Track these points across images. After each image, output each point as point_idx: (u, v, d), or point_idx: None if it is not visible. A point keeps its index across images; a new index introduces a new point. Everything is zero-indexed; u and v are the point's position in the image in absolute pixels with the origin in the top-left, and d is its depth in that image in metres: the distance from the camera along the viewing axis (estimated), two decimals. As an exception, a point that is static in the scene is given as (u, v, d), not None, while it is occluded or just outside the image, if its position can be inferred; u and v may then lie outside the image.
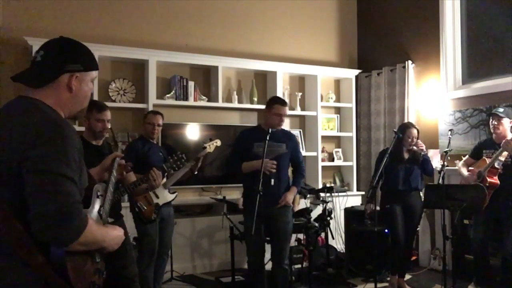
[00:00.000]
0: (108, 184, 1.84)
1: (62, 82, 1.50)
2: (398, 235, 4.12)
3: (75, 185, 1.36)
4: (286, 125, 5.80)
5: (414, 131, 4.16)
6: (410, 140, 4.13)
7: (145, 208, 3.53)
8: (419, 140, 4.16)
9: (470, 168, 4.08)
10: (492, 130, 3.98)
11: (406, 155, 4.19)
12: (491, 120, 3.97)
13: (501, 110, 3.93)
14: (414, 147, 4.11)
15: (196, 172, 3.88)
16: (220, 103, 5.33)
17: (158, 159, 3.78)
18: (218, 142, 3.94)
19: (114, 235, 1.59)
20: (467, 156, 4.24)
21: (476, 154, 4.12)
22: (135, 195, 3.46)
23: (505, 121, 3.88)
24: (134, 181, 2.98)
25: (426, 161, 4.17)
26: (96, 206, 1.65)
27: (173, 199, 3.80)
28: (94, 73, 1.59)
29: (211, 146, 3.90)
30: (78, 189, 1.38)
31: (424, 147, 4.14)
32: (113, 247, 1.60)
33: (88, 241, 1.39)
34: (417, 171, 4.16)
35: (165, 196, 3.70)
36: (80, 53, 1.55)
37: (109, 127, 2.98)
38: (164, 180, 3.67)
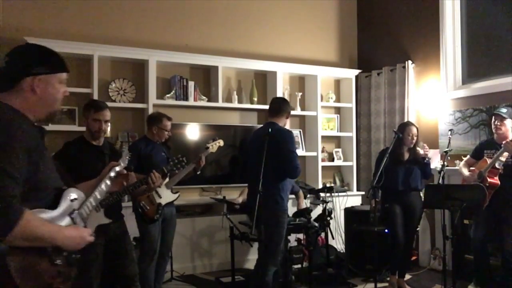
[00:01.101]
0: (94, 190, 1.87)
1: (26, 85, 1.55)
2: (398, 234, 4.13)
3: (14, 181, 1.39)
4: (287, 125, 5.83)
5: (414, 129, 4.17)
6: (410, 138, 4.14)
7: (148, 208, 3.54)
8: (425, 144, 4.16)
9: (471, 168, 4.08)
10: (494, 130, 3.97)
11: (406, 155, 4.19)
12: (493, 120, 3.96)
13: (504, 110, 3.92)
14: (420, 150, 4.10)
15: (199, 172, 3.89)
16: (220, 103, 5.33)
17: (161, 159, 3.79)
18: (221, 142, 3.98)
19: (70, 234, 1.58)
20: (468, 156, 4.25)
21: (477, 154, 4.12)
22: (135, 196, 3.46)
23: (508, 122, 3.87)
24: (134, 183, 2.97)
25: (427, 165, 4.19)
26: (62, 208, 1.63)
27: (175, 199, 3.81)
28: (63, 75, 1.63)
29: (214, 146, 3.93)
30: (18, 186, 1.41)
31: (428, 152, 4.14)
32: (73, 247, 1.60)
33: (28, 236, 1.40)
34: (417, 171, 4.16)
35: (167, 196, 3.72)
36: (44, 56, 1.60)
37: (107, 127, 2.95)
38: (167, 180, 3.68)
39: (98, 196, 1.89)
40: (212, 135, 5.24)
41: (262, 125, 4.01)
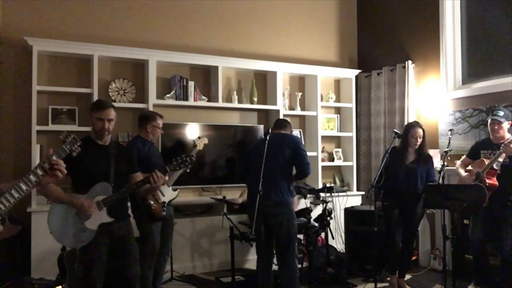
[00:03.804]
0: (18, 181, 1.83)
1: None
2: (394, 235, 4.12)
3: None
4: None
5: (419, 131, 4.13)
6: (414, 140, 4.11)
7: (155, 206, 3.57)
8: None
9: (469, 168, 4.07)
10: (491, 133, 3.97)
11: (411, 156, 4.17)
12: (490, 123, 3.94)
13: (501, 114, 3.90)
14: None
15: (188, 170, 3.93)
16: (220, 103, 5.33)
17: (159, 158, 3.84)
18: (205, 140, 4.18)
19: None
20: (464, 156, 4.23)
21: (473, 154, 4.11)
22: (138, 196, 3.46)
23: (505, 124, 3.88)
24: (137, 182, 2.98)
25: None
26: None
27: (175, 197, 3.88)
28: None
29: (200, 144, 4.09)
30: None
31: None
32: None
33: None
34: (422, 173, 4.11)
35: (169, 194, 3.78)
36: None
37: (112, 126, 2.94)
38: (166, 178, 3.69)
39: (24, 187, 1.83)
40: (212, 135, 5.24)
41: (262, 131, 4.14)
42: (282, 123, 3.97)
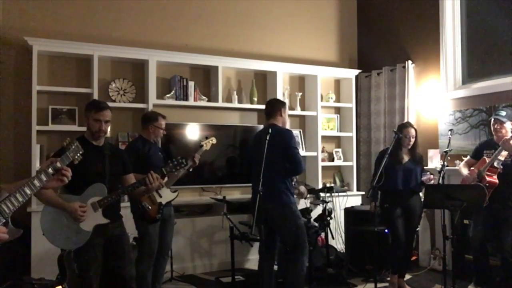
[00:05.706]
0: (23, 185, 1.84)
1: None
2: (399, 234, 4.12)
3: None
4: (287, 121, 5.81)
5: (412, 131, 4.16)
6: (407, 139, 4.14)
7: (150, 207, 3.54)
8: (432, 175, 4.14)
9: (471, 168, 4.08)
10: (493, 133, 3.98)
11: (406, 156, 4.19)
12: (493, 123, 3.96)
13: (503, 113, 3.91)
14: (424, 178, 4.09)
15: (191, 169, 3.92)
16: (220, 103, 5.33)
17: (159, 159, 3.80)
18: (213, 140, 4.07)
19: None
20: (468, 157, 4.25)
21: (477, 155, 4.11)
22: (134, 197, 3.45)
23: (507, 124, 3.88)
24: (132, 184, 2.97)
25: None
26: None
27: (174, 198, 3.83)
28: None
29: (207, 144, 4.01)
30: None
31: (431, 180, 4.11)
32: None
33: None
34: (417, 172, 4.15)
35: (167, 195, 3.74)
36: None
37: (108, 127, 2.95)
38: (166, 179, 3.68)
39: (28, 192, 1.85)
40: (212, 135, 5.23)
41: (262, 127, 4.05)
42: (269, 109, 3.78)
